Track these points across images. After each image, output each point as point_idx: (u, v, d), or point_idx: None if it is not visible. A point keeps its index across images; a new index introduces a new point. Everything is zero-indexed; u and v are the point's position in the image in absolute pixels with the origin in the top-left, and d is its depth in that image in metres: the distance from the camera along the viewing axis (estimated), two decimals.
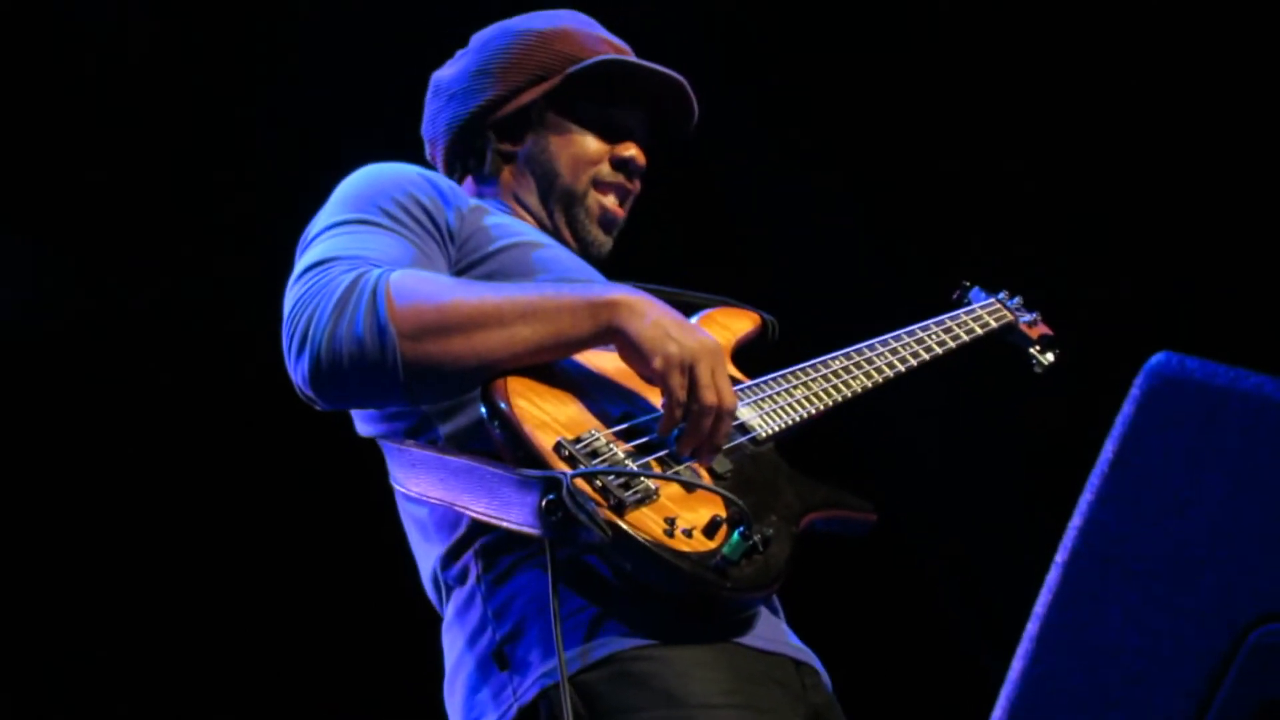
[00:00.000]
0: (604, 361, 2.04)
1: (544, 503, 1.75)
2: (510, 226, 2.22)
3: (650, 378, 1.96)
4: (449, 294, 1.93)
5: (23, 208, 3.92)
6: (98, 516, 4.05)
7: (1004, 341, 2.80)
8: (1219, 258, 4.13)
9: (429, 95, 2.44)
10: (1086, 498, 1.30)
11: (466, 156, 2.40)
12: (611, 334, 1.95)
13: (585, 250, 2.37)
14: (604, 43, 2.38)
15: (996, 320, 2.77)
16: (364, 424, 2.18)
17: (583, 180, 2.35)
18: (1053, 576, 1.30)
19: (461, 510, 1.90)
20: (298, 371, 1.94)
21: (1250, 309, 3.97)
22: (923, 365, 2.49)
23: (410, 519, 2.16)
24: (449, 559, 2.06)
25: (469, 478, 1.86)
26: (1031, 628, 1.30)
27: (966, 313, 2.72)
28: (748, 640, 1.95)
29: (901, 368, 2.42)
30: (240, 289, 3.80)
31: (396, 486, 2.08)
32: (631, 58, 2.38)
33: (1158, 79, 4.18)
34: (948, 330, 2.61)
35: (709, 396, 1.93)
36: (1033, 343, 2.84)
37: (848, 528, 2.15)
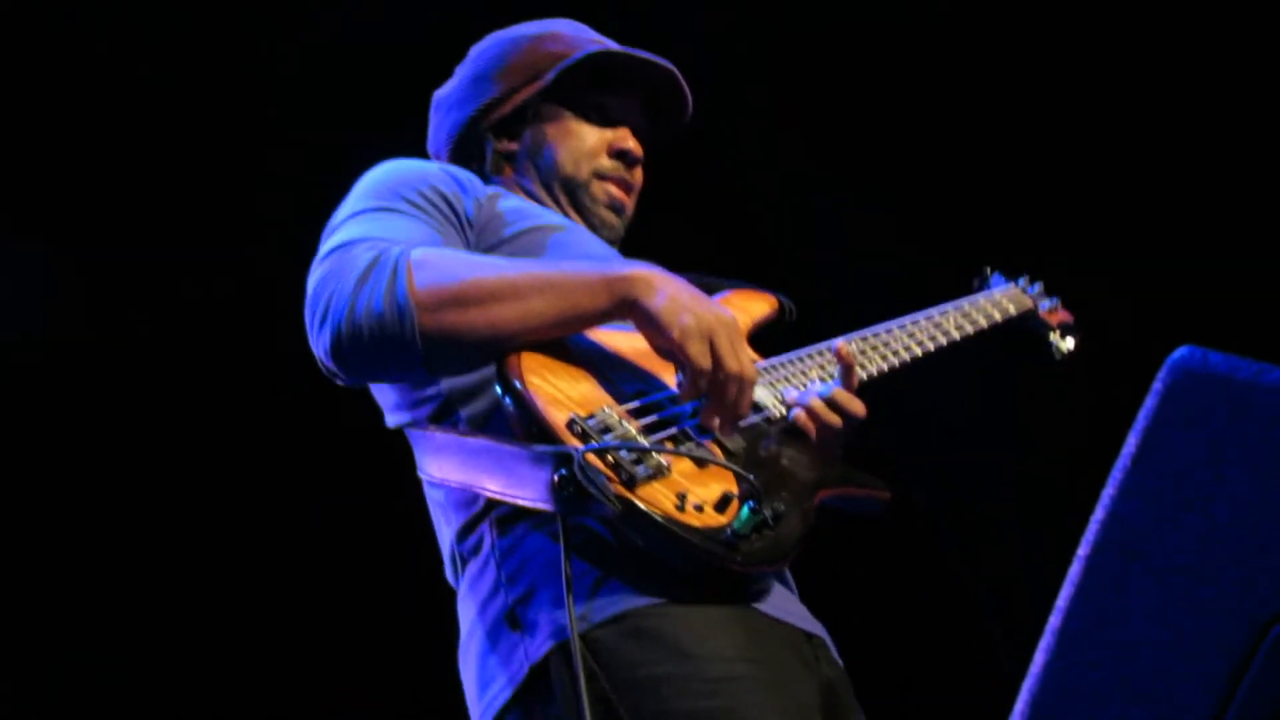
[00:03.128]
0: (620, 340, 2.05)
1: (556, 478, 1.75)
2: (528, 210, 2.24)
3: (668, 350, 1.96)
4: (467, 268, 1.96)
5: (26, 211, 3.93)
6: (116, 520, 4.05)
7: (1023, 328, 2.78)
8: (1244, 251, 4.12)
9: (431, 112, 2.48)
10: (1109, 492, 1.30)
11: (469, 160, 2.42)
12: (628, 308, 1.96)
13: (595, 228, 2.37)
14: (595, 42, 2.41)
15: (1016, 307, 2.76)
16: (391, 414, 2.20)
17: (584, 170, 2.37)
18: (1075, 570, 1.30)
19: (479, 490, 1.91)
20: (319, 344, 1.97)
21: (1275, 303, 3.95)
22: (939, 351, 2.47)
23: (433, 504, 2.19)
24: (465, 532, 2.08)
25: (486, 458, 1.87)
26: (1053, 622, 1.30)
27: (986, 298, 2.71)
28: (760, 606, 1.96)
29: (919, 351, 2.42)
30: (258, 284, 3.81)
31: (422, 475, 2.10)
32: (619, 47, 2.40)
33: (1187, 70, 4.16)
34: (966, 315, 2.60)
35: (731, 364, 1.94)
36: (1051, 329, 2.82)
37: (860, 506, 2.15)
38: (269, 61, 4.02)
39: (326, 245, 2.06)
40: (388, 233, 2.04)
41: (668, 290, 1.96)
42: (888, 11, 4.32)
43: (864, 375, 2.28)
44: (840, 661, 2.10)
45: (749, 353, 2.18)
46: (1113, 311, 3.88)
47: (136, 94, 3.95)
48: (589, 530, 1.88)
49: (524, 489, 1.81)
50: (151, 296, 4.05)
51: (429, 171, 2.21)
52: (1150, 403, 1.29)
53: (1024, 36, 4.27)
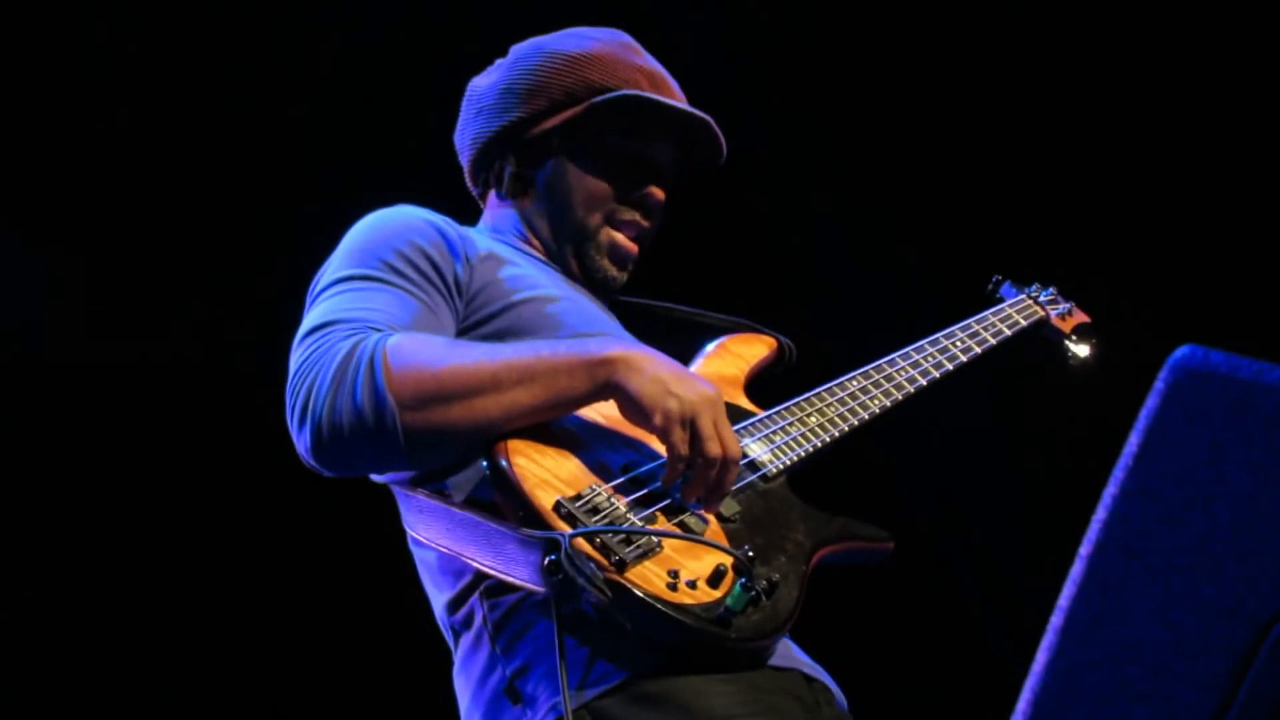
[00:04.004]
0: (606, 409, 2.03)
1: (545, 563, 1.75)
2: (524, 278, 2.19)
3: (650, 431, 1.96)
4: (445, 360, 1.92)
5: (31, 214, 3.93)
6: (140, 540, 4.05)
7: (1037, 337, 2.75)
8: (1246, 251, 4.11)
9: (464, 101, 2.43)
10: (1111, 491, 1.30)
11: (487, 174, 2.40)
12: (610, 391, 1.95)
13: (594, 283, 2.34)
14: (636, 70, 2.34)
15: (1027, 318, 2.72)
16: (377, 474, 2.16)
17: (596, 216, 2.32)
18: (1077, 570, 1.30)
19: (468, 561, 1.91)
20: (300, 443, 1.95)
21: (1276, 302, 3.95)
22: (946, 377, 2.44)
23: (420, 562, 2.17)
24: (455, 605, 2.07)
25: (474, 531, 1.87)
26: (1055, 621, 1.30)
27: (995, 313, 2.67)
28: None
29: (923, 381, 2.39)
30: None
31: (408, 530, 2.09)
32: (655, 96, 2.32)
33: (1188, 71, 4.16)
34: (974, 335, 2.56)
35: (713, 449, 1.93)
36: (1067, 336, 2.79)
37: (864, 558, 2.13)
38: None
39: (305, 324, 2.03)
40: (366, 311, 2.01)
41: (649, 371, 1.94)
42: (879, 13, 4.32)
43: (866, 416, 2.26)
44: (843, 703, 2.09)
45: (746, 406, 2.18)
46: (1114, 312, 3.88)
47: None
48: (582, 610, 1.86)
49: (514, 569, 1.81)
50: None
51: (414, 228, 2.15)
52: (1152, 402, 1.29)
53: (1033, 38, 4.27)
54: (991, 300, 2.77)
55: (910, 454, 3.74)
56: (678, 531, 1.91)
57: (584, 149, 2.32)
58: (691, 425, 1.92)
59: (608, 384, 1.94)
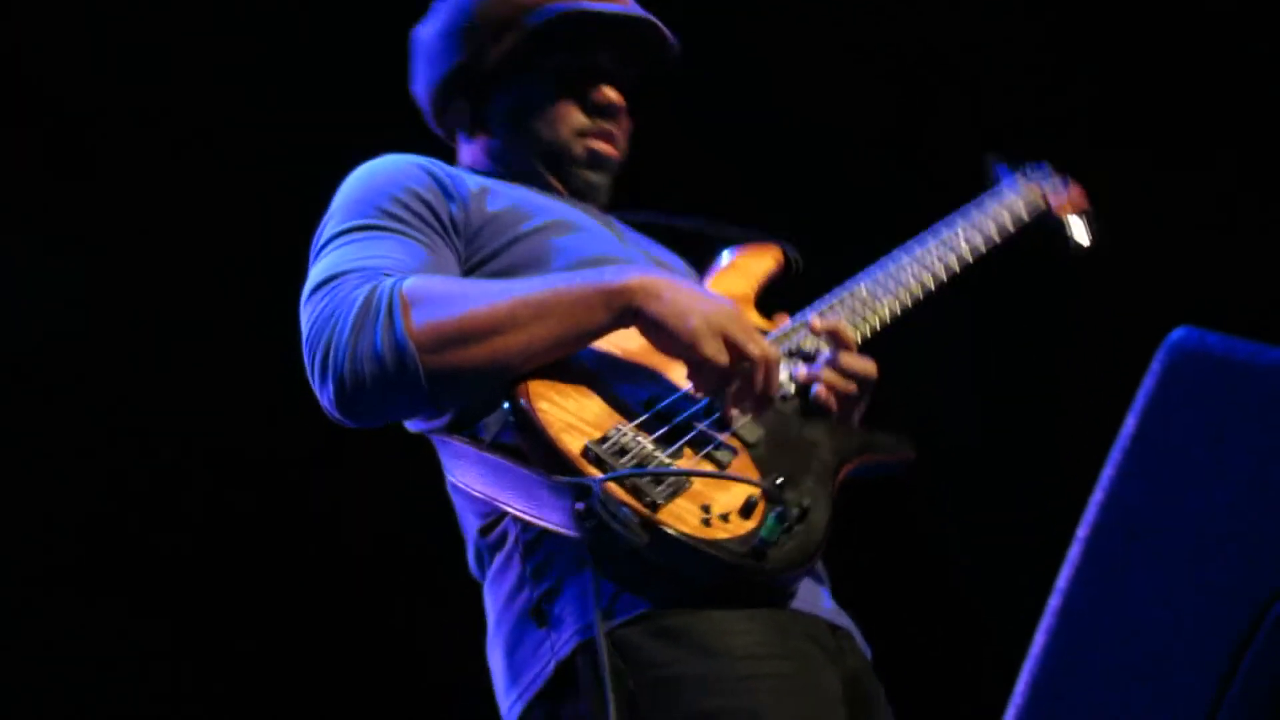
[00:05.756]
0: (623, 341, 2.02)
1: (578, 509, 1.74)
2: (521, 210, 2.19)
3: (680, 354, 1.94)
4: (462, 301, 1.92)
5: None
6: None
7: (1038, 225, 2.66)
8: (1242, 231, 4.11)
9: (411, 54, 2.44)
10: (1108, 473, 1.30)
11: (446, 120, 2.41)
12: (630, 317, 1.94)
13: (581, 195, 2.33)
14: None
15: (1028, 208, 2.66)
16: (410, 422, 2.18)
17: (563, 134, 2.32)
18: (1074, 552, 1.30)
19: (502, 506, 1.90)
20: (324, 396, 1.94)
21: (1272, 284, 3.95)
22: (952, 277, 2.39)
23: (456, 497, 2.17)
24: (489, 527, 2.07)
25: (508, 476, 1.86)
26: (1053, 603, 1.30)
27: (994, 202, 2.61)
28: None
29: (931, 284, 2.36)
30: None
31: (447, 475, 2.09)
32: (584, 5, 2.30)
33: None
34: (977, 227, 2.51)
35: (753, 349, 1.92)
36: (1067, 223, 2.72)
37: (885, 469, 2.13)
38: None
39: (313, 278, 2.04)
40: (374, 258, 2.01)
41: (667, 294, 1.93)
42: None
43: (877, 323, 2.24)
44: (868, 652, 2.09)
45: (759, 324, 2.17)
46: (1112, 292, 3.88)
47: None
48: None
49: (547, 514, 1.81)
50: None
51: (406, 173, 2.16)
52: (1148, 384, 1.29)
53: None
54: (989, 185, 2.67)
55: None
56: (710, 470, 1.90)
57: (532, 75, 2.32)
58: (723, 336, 1.91)
59: (626, 310, 1.93)
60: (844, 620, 2.07)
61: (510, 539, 2.03)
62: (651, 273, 1.99)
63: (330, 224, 2.12)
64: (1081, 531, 1.30)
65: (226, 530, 4.09)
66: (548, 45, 2.30)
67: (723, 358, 1.91)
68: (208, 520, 4.09)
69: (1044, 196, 2.71)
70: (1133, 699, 1.28)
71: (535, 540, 2.00)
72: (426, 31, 2.40)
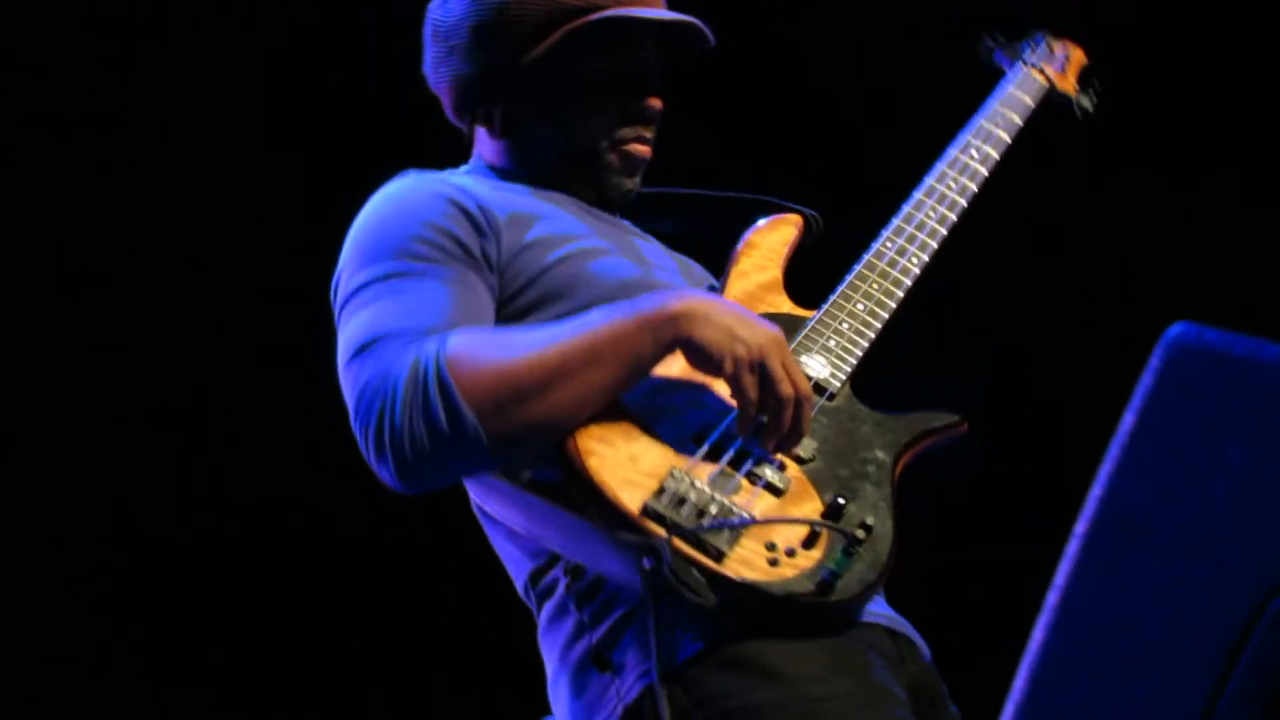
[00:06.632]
0: (664, 366, 1.97)
1: (643, 566, 1.75)
2: (552, 234, 2.13)
3: (721, 378, 1.93)
4: (510, 356, 1.88)
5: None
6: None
7: (1046, 106, 2.60)
8: (1240, 226, 4.10)
9: (427, 35, 2.31)
10: (1106, 469, 1.30)
11: (473, 116, 2.31)
12: (677, 345, 1.92)
13: (612, 202, 2.29)
14: None
15: (1033, 95, 2.59)
16: None
17: (599, 141, 2.25)
18: (1072, 548, 1.30)
19: (551, 548, 1.91)
20: (384, 472, 1.90)
21: (1272, 279, 3.94)
22: (973, 200, 2.35)
23: (491, 534, 2.15)
24: (537, 576, 2.05)
25: (558, 522, 1.87)
26: (1051, 599, 1.30)
27: (999, 101, 2.54)
28: None
29: (954, 216, 2.31)
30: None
31: (475, 501, 2.08)
32: (628, 12, 2.22)
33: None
34: (986, 138, 2.45)
35: (785, 389, 1.91)
36: (1069, 96, 2.67)
37: (940, 447, 2.11)
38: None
39: (348, 341, 1.97)
40: (409, 313, 1.95)
41: (713, 318, 1.91)
42: None
43: (909, 281, 2.20)
44: (928, 655, 2.08)
45: (793, 311, 2.16)
46: (1109, 288, 3.87)
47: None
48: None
49: (607, 565, 1.82)
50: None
51: (431, 206, 2.08)
52: (1146, 379, 1.29)
53: None
54: (988, 73, 2.61)
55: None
56: (770, 512, 1.89)
57: (571, 76, 2.23)
58: (761, 369, 1.90)
59: (675, 340, 1.92)
60: (901, 625, 2.06)
61: (561, 588, 2.01)
62: (692, 295, 1.96)
63: (349, 270, 2.06)
64: (1079, 527, 1.30)
65: (226, 530, 4.08)
66: (590, 48, 2.22)
67: (754, 393, 1.90)
68: (207, 520, 4.08)
69: (1045, 76, 2.64)
70: (1130, 694, 1.27)
71: (589, 588, 1.98)
72: (450, 17, 2.27)
